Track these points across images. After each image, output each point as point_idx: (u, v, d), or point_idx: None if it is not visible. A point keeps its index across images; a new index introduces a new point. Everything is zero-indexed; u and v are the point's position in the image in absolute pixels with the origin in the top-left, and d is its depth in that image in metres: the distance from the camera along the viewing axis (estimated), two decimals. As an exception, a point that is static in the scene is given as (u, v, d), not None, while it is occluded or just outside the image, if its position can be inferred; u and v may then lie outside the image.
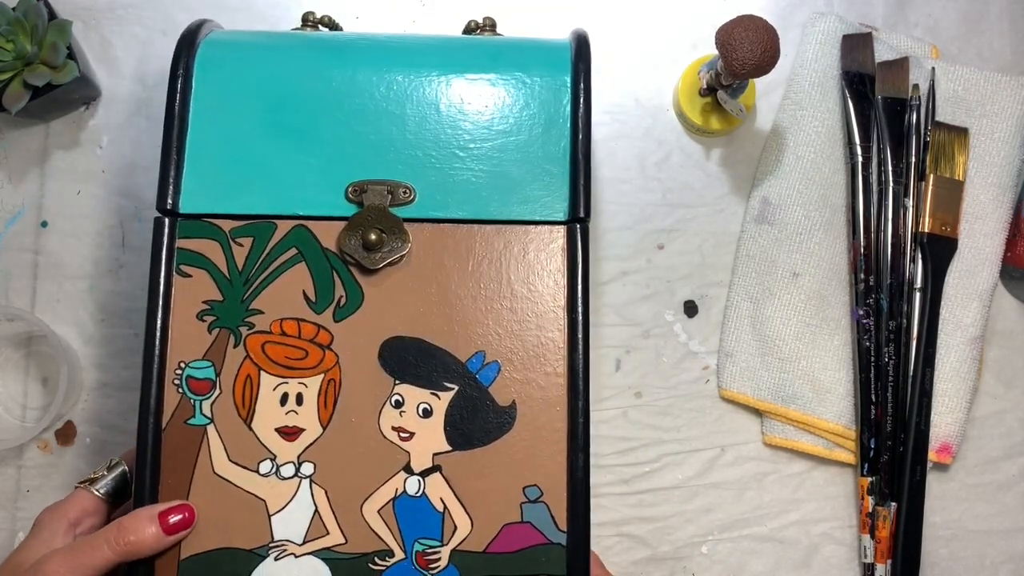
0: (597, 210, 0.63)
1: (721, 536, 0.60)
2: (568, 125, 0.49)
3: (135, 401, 0.60)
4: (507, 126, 0.49)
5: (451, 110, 0.49)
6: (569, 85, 0.49)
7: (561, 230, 0.48)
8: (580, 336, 0.46)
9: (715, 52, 0.55)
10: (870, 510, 0.58)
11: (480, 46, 0.52)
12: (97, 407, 0.61)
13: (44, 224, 0.63)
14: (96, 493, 0.47)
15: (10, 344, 0.62)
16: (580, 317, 0.46)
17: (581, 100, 0.49)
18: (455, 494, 0.46)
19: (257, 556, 0.45)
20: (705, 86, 0.61)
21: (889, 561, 0.58)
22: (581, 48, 0.50)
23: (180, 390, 0.46)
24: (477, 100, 0.49)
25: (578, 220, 0.48)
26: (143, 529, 0.43)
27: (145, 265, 0.63)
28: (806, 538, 0.60)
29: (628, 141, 0.64)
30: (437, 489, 0.46)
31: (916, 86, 0.62)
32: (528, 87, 0.50)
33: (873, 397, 0.59)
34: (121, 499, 0.47)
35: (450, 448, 0.46)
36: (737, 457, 0.61)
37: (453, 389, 0.46)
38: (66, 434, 0.61)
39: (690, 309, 0.62)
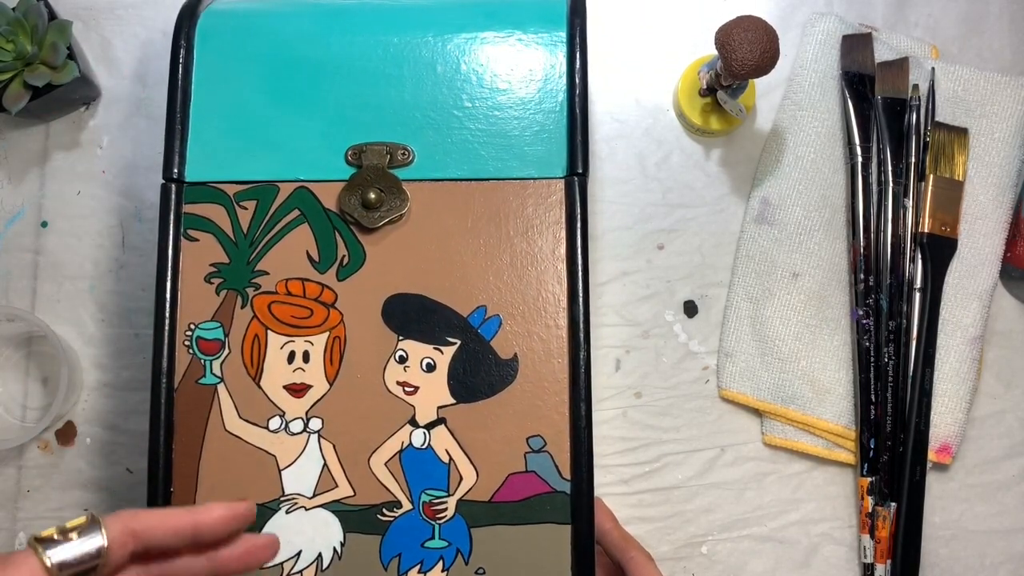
0: (597, 210, 0.63)
1: (721, 536, 0.60)
2: (564, 81, 0.49)
3: (135, 401, 0.61)
4: (504, 84, 0.49)
5: (448, 70, 0.49)
6: (565, 40, 0.49)
7: (559, 184, 0.48)
8: (580, 288, 0.47)
9: (715, 52, 0.55)
10: (870, 510, 0.58)
11: (476, 4, 0.52)
12: (97, 407, 0.61)
13: (44, 224, 0.63)
14: (46, 563, 0.33)
15: (10, 344, 0.62)
16: (580, 269, 0.47)
17: (577, 55, 0.49)
18: (460, 445, 0.46)
19: (269, 510, 0.46)
20: (705, 86, 0.61)
21: (889, 561, 0.58)
22: (576, 3, 0.50)
23: (191, 351, 0.47)
24: (473, 59, 0.50)
25: (576, 175, 0.48)
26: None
27: (145, 265, 0.64)
28: (806, 538, 0.60)
29: (628, 141, 0.64)
30: (442, 441, 0.46)
31: (916, 86, 0.61)
32: (524, 44, 0.50)
33: (873, 397, 0.59)
34: None
35: (454, 401, 0.47)
36: (737, 457, 0.61)
37: (456, 344, 0.47)
38: (66, 434, 0.61)
39: (690, 309, 0.62)
